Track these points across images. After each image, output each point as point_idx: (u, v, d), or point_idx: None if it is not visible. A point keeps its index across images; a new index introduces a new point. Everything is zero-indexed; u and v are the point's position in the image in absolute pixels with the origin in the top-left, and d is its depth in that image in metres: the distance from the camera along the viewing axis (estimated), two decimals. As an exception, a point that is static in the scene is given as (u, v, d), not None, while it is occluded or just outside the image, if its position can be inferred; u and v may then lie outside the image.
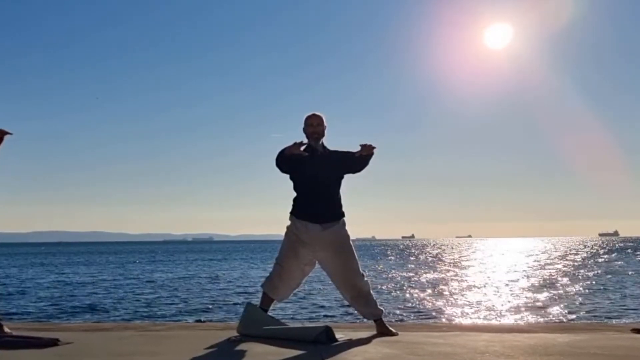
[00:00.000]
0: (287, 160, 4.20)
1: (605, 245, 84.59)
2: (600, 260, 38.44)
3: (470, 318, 12.09)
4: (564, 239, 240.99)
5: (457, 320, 11.55)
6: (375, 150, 4.31)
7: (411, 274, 25.42)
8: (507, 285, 19.41)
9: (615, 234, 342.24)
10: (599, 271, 26.55)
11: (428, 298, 15.65)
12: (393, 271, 28.12)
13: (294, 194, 4.40)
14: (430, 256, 48.98)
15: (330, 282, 4.52)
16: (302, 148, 4.22)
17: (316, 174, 4.27)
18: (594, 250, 59.92)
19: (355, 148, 4.35)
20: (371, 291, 4.34)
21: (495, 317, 12.09)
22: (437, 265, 33.02)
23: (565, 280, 21.42)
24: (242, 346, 3.79)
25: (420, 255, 50.89)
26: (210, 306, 14.22)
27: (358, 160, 4.34)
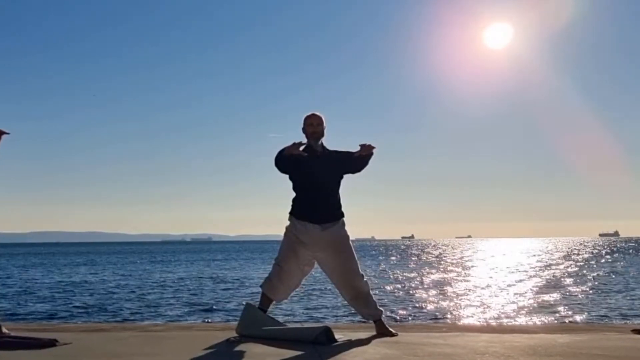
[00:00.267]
0: (286, 161, 4.19)
1: (605, 246, 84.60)
2: (600, 260, 38.45)
3: (470, 319, 12.08)
4: (564, 239, 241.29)
5: (457, 321, 11.54)
6: (374, 150, 4.31)
7: (411, 275, 25.42)
8: (507, 285, 19.40)
9: (616, 234, 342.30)
10: (600, 271, 26.55)
11: (428, 299, 15.64)
12: (393, 272, 28.11)
13: (293, 194, 4.39)
14: (431, 257, 48.98)
15: (329, 282, 4.51)
16: (302, 148, 4.21)
17: (315, 174, 4.26)
18: (595, 251, 59.94)
19: (355, 148, 4.34)
20: (371, 292, 4.33)
21: (496, 318, 12.08)
22: (437, 266, 33.02)
23: (565, 280, 21.42)
24: (241, 347, 3.78)
25: (420, 256, 50.87)
26: (209, 307, 14.20)
27: (357, 160, 4.33)
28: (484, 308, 13.62)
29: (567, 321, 11.34)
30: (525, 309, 13.37)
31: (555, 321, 11.40)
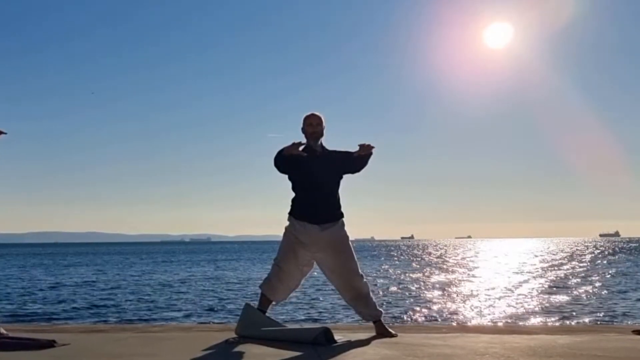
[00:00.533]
0: (285, 161, 4.18)
1: (606, 246, 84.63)
2: (601, 261, 38.42)
3: (470, 319, 12.07)
4: (565, 239, 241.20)
5: (457, 322, 11.52)
6: (373, 150, 4.30)
7: (412, 276, 25.40)
8: (507, 286, 19.37)
9: (616, 234, 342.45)
10: (600, 272, 26.54)
11: (428, 299, 15.63)
12: (392, 272, 28.10)
13: (293, 195, 4.38)
14: (432, 257, 48.94)
15: (329, 283, 4.50)
16: (301, 148, 4.21)
17: (315, 175, 4.26)
18: (595, 251, 59.89)
19: (354, 148, 4.33)
20: (370, 292, 4.33)
21: (495, 319, 12.07)
22: (439, 267, 32.99)
23: (565, 281, 21.40)
24: (240, 348, 3.77)
25: (421, 257, 50.84)
26: (208, 307, 14.18)
27: (357, 160, 4.33)
28: (483, 309, 13.61)
29: (567, 322, 11.32)
30: (525, 310, 13.36)
31: (556, 322, 11.38)
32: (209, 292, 18.36)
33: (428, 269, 30.80)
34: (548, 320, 11.73)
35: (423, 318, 12.23)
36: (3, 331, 4.05)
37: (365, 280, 4.32)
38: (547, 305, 14.17)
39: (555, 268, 29.92)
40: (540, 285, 19.55)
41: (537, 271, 27.30)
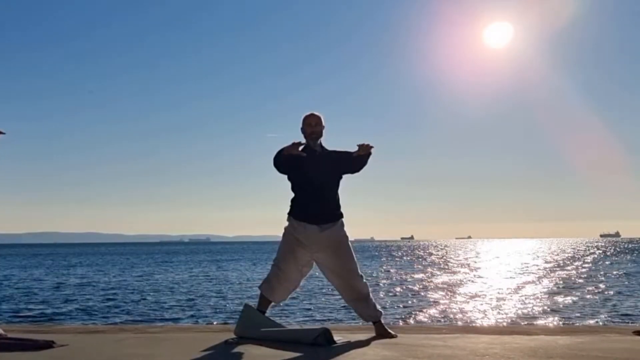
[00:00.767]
0: (285, 161, 4.17)
1: (606, 247, 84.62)
2: (601, 261, 38.41)
3: (471, 320, 12.06)
4: (565, 240, 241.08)
5: (457, 322, 11.51)
6: (372, 150, 4.28)
7: (413, 276, 25.37)
8: (508, 287, 19.37)
9: (617, 234, 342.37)
10: (600, 272, 26.54)
11: (428, 300, 15.61)
12: (392, 273, 28.08)
13: (292, 195, 4.37)
14: (433, 258, 48.93)
15: (328, 283, 4.49)
16: (301, 148, 4.19)
17: (314, 175, 4.24)
18: (595, 252, 59.87)
19: (354, 148, 4.32)
20: (370, 293, 4.31)
21: (496, 319, 12.06)
22: (441, 267, 32.96)
23: (565, 282, 21.38)
24: (239, 348, 3.76)
25: (422, 257, 50.82)
26: (207, 308, 14.17)
27: (356, 160, 4.31)
28: (484, 309, 13.59)
29: (567, 322, 11.31)
30: (526, 310, 13.35)
31: (556, 322, 11.37)
32: (208, 292, 18.34)
33: (430, 269, 30.76)
34: (548, 321, 11.73)
35: (423, 319, 12.21)
36: (1, 332, 4.04)
37: (365, 280, 4.31)
38: (548, 306, 14.16)
39: (556, 269, 29.90)
40: (541, 286, 19.54)
41: (538, 272, 27.27)
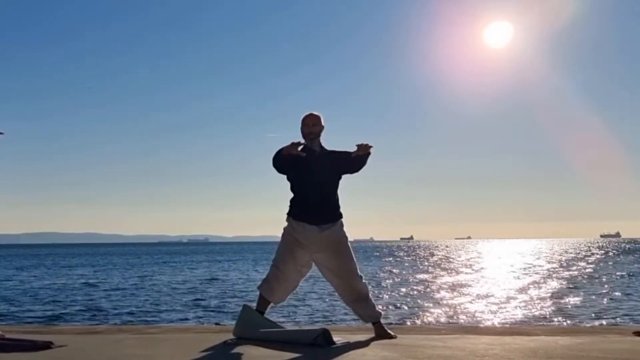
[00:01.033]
0: (284, 161, 4.16)
1: (607, 247, 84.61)
2: (602, 261, 38.41)
3: (470, 320, 12.04)
4: (565, 240, 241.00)
5: (456, 323, 11.50)
6: (371, 150, 4.26)
7: (413, 277, 25.37)
8: (508, 287, 19.37)
9: (617, 235, 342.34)
10: (600, 273, 26.54)
11: (427, 300, 15.60)
12: (392, 273, 28.07)
13: (291, 195, 4.35)
14: (433, 258, 48.90)
15: (328, 284, 4.48)
16: (300, 148, 4.18)
17: (313, 175, 4.23)
18: (596, 252, 59.89)
19: (353, 148, 4.30)
20: (370, 293, 4.30)
21: (496, 320, 12.05)
22: (440, 268, 32.97)
23: (566, 282, 21.38)
24: (238, 349, 3.75)
25: (422, 257, 50.82)
26: (206, 309, 14.15)
27: (355, 160, 4.29)
28: (484, 310, 13.59)
29: (568, 323, 11.30)
30: (526, 311, 13.34)
31: (556, 323, 11.37)
32: (207, 293, 18.32)
33: (432, 270, 30.70)
34: (548, 321, 11.72)
35: (423, 319, 12.20)
36: (0, 332, 4.02)
37: (364, 281, 4.30)
38: (548, 306, 14.16)
39: (557, 269, 29.88)
40: (541, 287, 19.53)
41: (539, 272, 27.25)
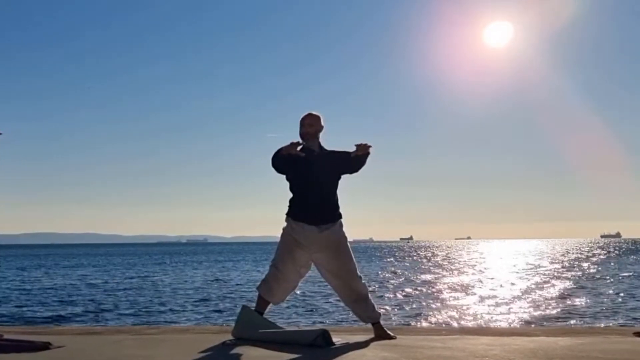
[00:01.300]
0: (283, 161, 4.15)
1: (607, 247, 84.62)
2: (602, 262, 38.40)
3: (470, 321, 12.04)
4: (565, 240, 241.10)
5: (456, 324, 11.49)
6: (370, 150, 4.25)
7: (411, 277, 25.37)
8: (508, 287, 19.37)
9: (618, 235, 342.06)
10: (601, 273, 26.55)
11: (427, 301, 15.59)
12: (394, 274, 28.06)
13: (290, 195, 4.34)
14: (431, 258, 48.91)
15: (327, 284, 4.47)
16: (299, 148, 4.17)
17: (313, 175, 4.22)
18: (596, 252, 59.87)
19: (353, 148, 4.29)
20: (369, 294, 4.29)
21: (495, 320, 12.04)
22: (438, 268, 32.96)
23: (566, 282, 21.37)
24: (237, 350, 3.74)
25: (420, 258, 50.82)
26: (205, 309, 14.14)
27: (354, 160, 4.28)
28: (484, 311, 13.58)
29: (568, 323, 11.29)
30: (526, 311, 13.34)
31: (556, 323, 11.35)
32: (206, 293, 18.31)
33: (434, 270, 30.65)
34: (548, 322, 11.71)
35: (422, 320, 12.19)
36: (-3, 333, 4.01)
37: (364, 281, 4.29)
38: (548, 307, 14.16)
39: (559, 270, 29.88)
40: (542, 287, 19.51)
41: (540, 273, 27.25)
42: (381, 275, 26.51)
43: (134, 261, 49.51)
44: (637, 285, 20.24)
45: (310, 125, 4.28)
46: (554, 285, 20.02)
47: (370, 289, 4.57)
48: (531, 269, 30.80)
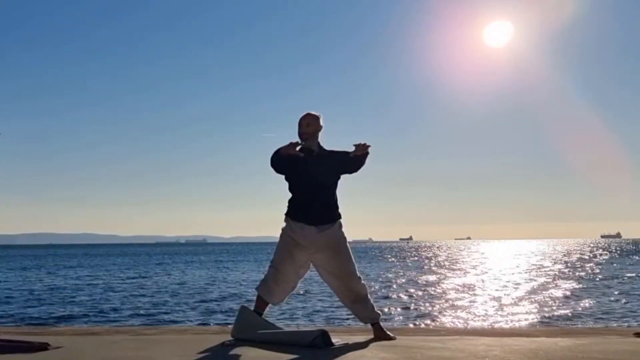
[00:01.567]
0: (282, 161, 4.14)
1: (607, 247, 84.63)
2: (602, 262, 38.39)
3: (470, 322, 12.02)
4: (566, 240, 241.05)
5: (456, 324, 11.48)
6: (369, 150, 4.24)
7: (410, 277, 25.35)
8: (508, 287, 19.36)
9: (618, 235, 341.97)
10: (601, 274, 26.53)
11: (427, 301, 15.58)
12: (391, 274, 28.05)
13: (289, 195, 4.33)
14: (431, 258, 48.91)
15: (326, 285, 4.46)
16: (299, 148, 4.16)
17: (312, 175, 4.21)
18: (596, 253, 59.85)
19: (352, 148, 4.28)
20: (368, 294, 4.28)
21: (496, 321, 12.02)
22: (438, 268, 32.93)
23: (566, 283, 21.35)
24: (236, 350, 3.73)
25: (420, 258, 50.79)
26: (204, 310, 14.12)
27: (353, 160, 4.27)
28: (484, 311, 13.56)
29: (568, 324, 11.28)
30: (526, 312, 13.32)
31: (557, 324, 11.34)
32: (205, 293, 18.29)
33: (435, 271, 30.62)
34: (549, 322, 11.69)
35: (422, 320, 12.18)
36: (-5, 334, 4.00)
37: (363, 282, 4.28)
38: (548, 307, 14.14)
39: (561, 270, 29.84)
40: (543, 288, 19.49)
41: (542, 274, 27.23)
42: (381, 276, 26.49)
43: (133, 261, 49.47)
44: (636, 285, 20.23)
45: (309, 125, 4.27)
46: (555, 286, 19.99)
47: (370, 289, 4.56)
48: (533, 269, 30.77)
